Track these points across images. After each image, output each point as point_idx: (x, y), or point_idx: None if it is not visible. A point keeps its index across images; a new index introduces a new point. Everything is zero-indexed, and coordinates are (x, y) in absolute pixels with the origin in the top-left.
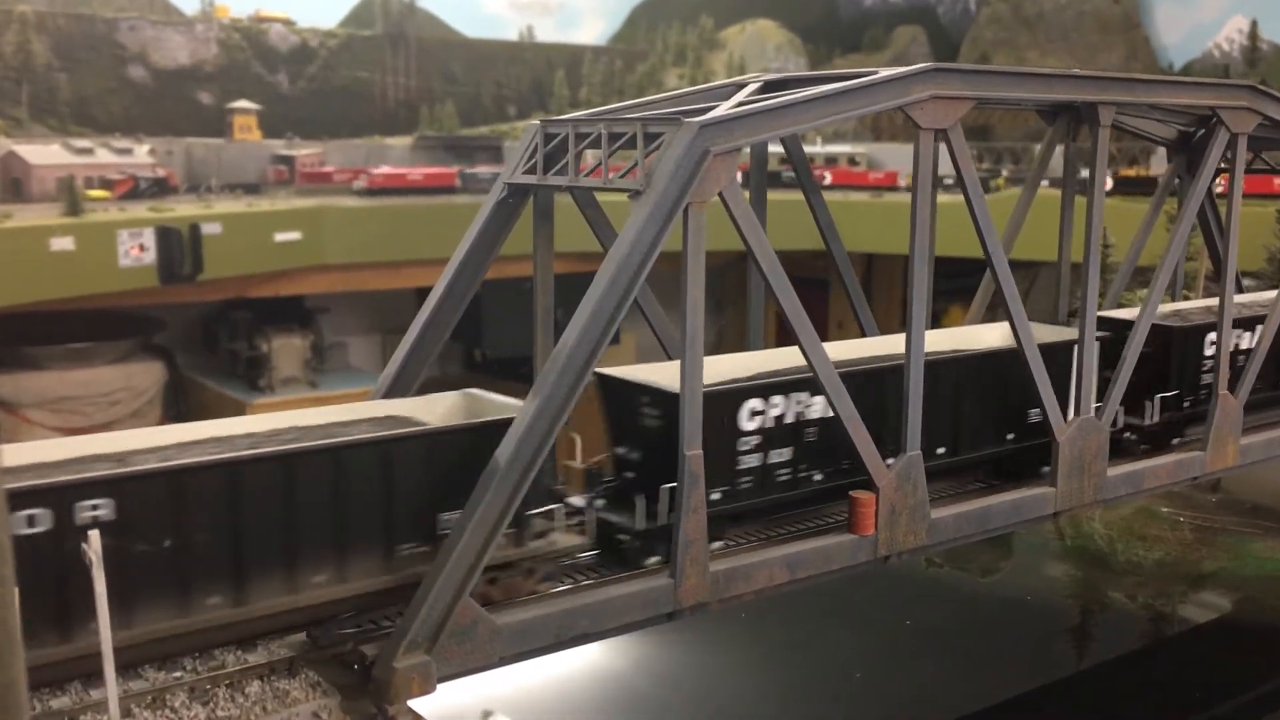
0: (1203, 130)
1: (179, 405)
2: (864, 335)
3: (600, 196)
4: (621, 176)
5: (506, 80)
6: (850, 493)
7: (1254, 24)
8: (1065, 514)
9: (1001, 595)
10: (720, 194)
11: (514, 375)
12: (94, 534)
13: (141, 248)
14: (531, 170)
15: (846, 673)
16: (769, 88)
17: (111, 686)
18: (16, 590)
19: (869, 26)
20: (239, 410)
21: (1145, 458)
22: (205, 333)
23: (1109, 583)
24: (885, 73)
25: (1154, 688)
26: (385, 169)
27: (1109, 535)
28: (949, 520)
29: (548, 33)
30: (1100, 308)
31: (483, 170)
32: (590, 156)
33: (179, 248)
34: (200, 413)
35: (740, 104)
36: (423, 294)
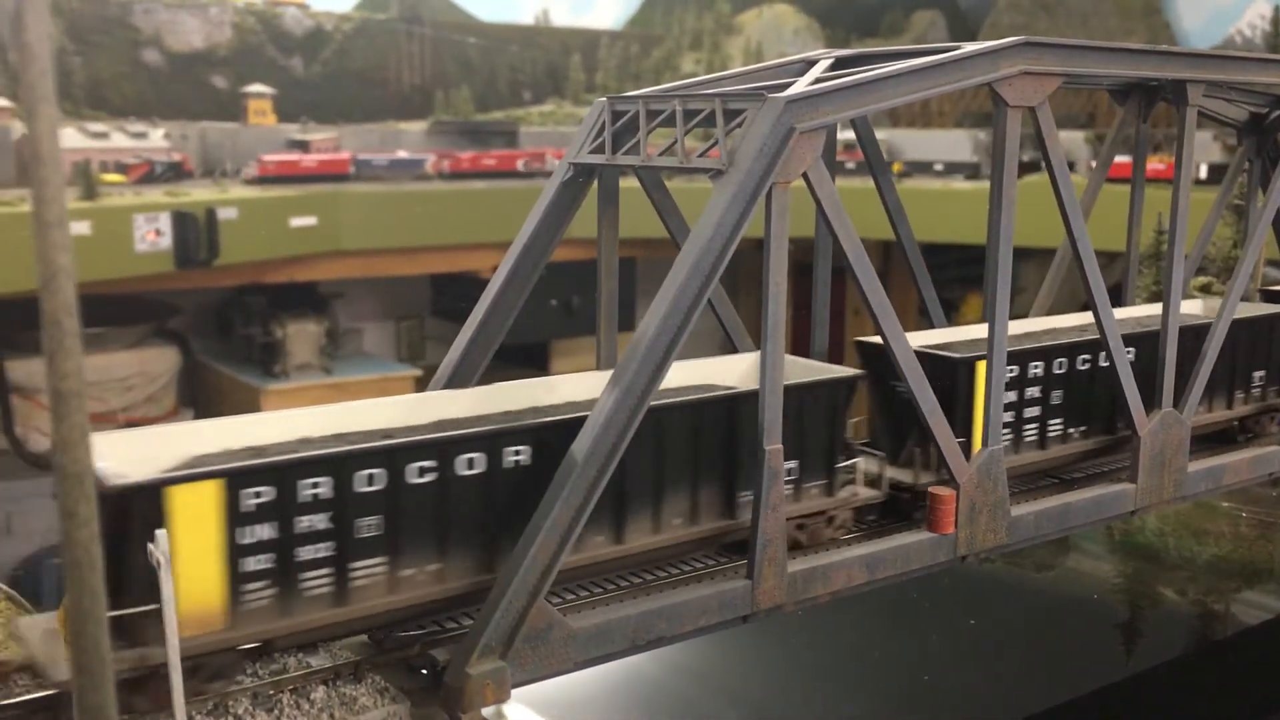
0: (1277, 111)
1: (193, 391)
2: (931, 326)
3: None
4: (700, 156)
5: (521, 65)
6: (930, 489)
7: (1276, 9)
8: (1142, 512)
9: (1061, 592)
10: (805, 174)
11: (530, 362)
12: (161, 534)
13: (158, 232)
14: (598, 149)
15: (915, 675)
16: (841, 64)
17: (178, 693)
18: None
19: (887, 10)
20: (253, 396)
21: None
22: (220, 318)
23: (1167, 580)
24: (972, 47)
25: (1209, 692)
26: (276, 156)
27: (1162, 529)
28: (1029, 518)
29: (563, 16)
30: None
31: (378, 158)
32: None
33: (195, 232)
34: (215, 398)
35: (819, 79)
36: (438, 280)
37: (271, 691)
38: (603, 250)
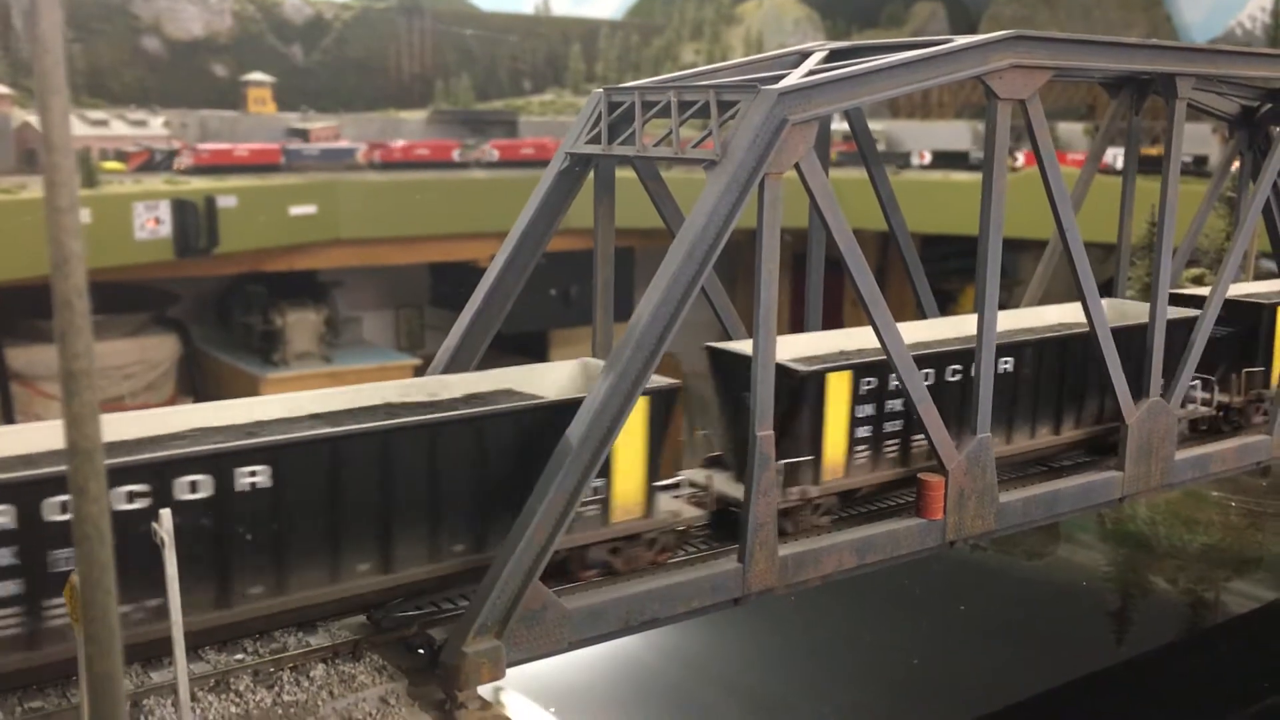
0: (1269, 105)
1: (193, 379)
2: (924, 316)
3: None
4: (694, 146)
5: (522, 54)
6: (919, 475)
7: (1277, 1)
8: (1130, 499)
9: (1052, 580)
10: (797, 165)
11: (528, 351)
12: (165, 513)
13: (157, 220)
14: (595, 140)
15: (906, 660)
16: (835, 56)
17: (182, 669)
18: (115, 576)
19: (887, 1)
20: (252, 385)
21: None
22: (219, 307)
23: (1157, 569)
24: (964, 40)
25: (1198, 679)
26: (211, 144)
27: (1152, 518)
28: (1017, 505)
29: (564, 6)
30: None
31: (308, 147)
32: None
33: (195, 221)
34: (214, 386)
35: (813, 71)
36: (437, 269)
37: (272, 669)
38: (599, 239)
